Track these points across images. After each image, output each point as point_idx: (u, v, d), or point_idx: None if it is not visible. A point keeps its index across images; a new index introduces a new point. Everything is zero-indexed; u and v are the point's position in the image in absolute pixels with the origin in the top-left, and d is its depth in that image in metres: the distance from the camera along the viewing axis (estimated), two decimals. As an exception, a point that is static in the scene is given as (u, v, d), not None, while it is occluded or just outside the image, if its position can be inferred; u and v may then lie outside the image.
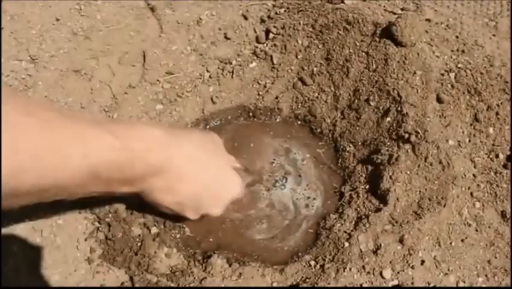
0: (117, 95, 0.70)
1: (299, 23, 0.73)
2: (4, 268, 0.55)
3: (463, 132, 0.65)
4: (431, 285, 0.55)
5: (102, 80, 0.71)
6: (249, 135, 0.73)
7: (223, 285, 0.56)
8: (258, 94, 0.76)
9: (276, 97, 0.75)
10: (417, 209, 0.59)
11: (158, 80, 0.72)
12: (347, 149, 0.70)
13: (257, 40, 0.76)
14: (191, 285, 0.56)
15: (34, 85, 0.68)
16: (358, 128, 0.69)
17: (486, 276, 0.57)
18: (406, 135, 0.62)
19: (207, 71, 0.75)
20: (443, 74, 0.66)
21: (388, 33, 0.67)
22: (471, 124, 0.65)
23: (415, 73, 0.65)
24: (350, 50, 0.71)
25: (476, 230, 0.60)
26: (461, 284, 0.56)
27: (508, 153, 0.64)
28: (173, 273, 0.58)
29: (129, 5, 0.76)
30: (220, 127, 0.74)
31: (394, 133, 0.65)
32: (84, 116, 0.66)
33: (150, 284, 0.57)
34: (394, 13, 0.72)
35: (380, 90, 0.68)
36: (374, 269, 0.55)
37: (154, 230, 0.61)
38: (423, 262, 0.56)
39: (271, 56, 0.75)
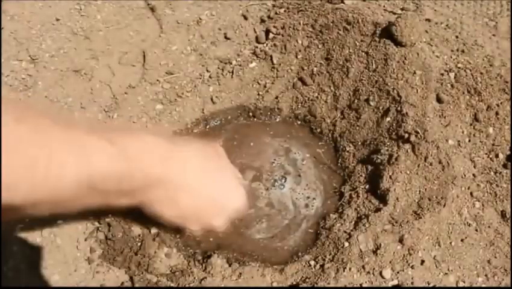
0: (117, 95, 0.70)
1: (299, 23, 0.73)
2: (4, 268, 0.55)
3: (463, 132, 0.65)
4: (431, 285, 0.55)
5: (102, 80, 0.71)
6: (249, 135, 0.73)
7: (223, 285, 0.56)
8: (258, 94, 0.76)
9: (276, 97, 0.75)
10: (416, 209, 0.59)
11: (158, 80, 0.72)
12: (347, 148, 0.70)
13: (257, 40, 0.76)
14: (191, 285, 0.56)
15: (34, 85, 0.68)
16: (358, 128, 0.69)
17: (486, 275, 0.57)
18: (406, 135, 0.62)
19: (207, 71, 0.75)
20: (442, 74, 0.66)
21: (388, 33, 0.67)
22: (471, 124, 0.65)
23: (415, 73, 0.65)
24: (350, 50, 0.71)
25: (476, 230, 0.60)
26: (461, 284, 0.56)
27: (508, 153, 0.64)
28: (173, 272, 0.58)
29: (129, 5, 0.77)
30: (220, 127, 0.74)
31: (394, 133, 0.65)
32: (79, 123, 0.63)
33: (150, 284, 0.57)
34: (394, 13, 0.72)
35: (380, 89, 0.68)
36: (374, 269, 0.55)
37: (154, 230, 0.61)
38: (422, 262, 0.56)
39: (271, 56, 0.75)
